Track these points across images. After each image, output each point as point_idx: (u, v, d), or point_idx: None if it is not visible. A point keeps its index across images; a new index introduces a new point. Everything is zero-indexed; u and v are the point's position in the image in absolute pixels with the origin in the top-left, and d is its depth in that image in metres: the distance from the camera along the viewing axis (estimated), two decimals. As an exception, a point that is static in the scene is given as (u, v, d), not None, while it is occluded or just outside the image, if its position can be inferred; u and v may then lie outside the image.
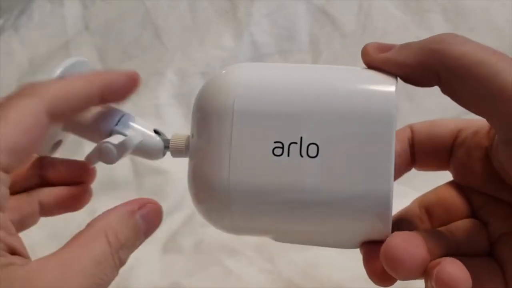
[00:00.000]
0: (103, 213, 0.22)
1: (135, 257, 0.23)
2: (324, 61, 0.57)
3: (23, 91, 0.21)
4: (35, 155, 0.27)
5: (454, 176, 0.26)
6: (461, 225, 0.24)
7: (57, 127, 0.23)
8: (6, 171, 0.19)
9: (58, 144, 0.27)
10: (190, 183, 0.23)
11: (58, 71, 0.27)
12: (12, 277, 0.18)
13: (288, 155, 0.21)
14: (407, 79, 0.23)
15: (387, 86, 0.21)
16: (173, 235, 0.47)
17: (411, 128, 0.26)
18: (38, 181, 0.27)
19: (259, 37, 0.59)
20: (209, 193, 0.22)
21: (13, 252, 0.19)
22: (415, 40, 0.23)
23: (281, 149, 0.21)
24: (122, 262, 0.21)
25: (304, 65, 0.24)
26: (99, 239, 0.20)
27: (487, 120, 0.21)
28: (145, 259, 0.44)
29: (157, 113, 0.58)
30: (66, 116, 0.22)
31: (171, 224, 0.48)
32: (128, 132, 0.25)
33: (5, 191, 0.19)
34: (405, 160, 0.26)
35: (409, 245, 0.21)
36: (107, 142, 0.24)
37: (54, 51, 0.65)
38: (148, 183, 0.52)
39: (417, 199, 0.26)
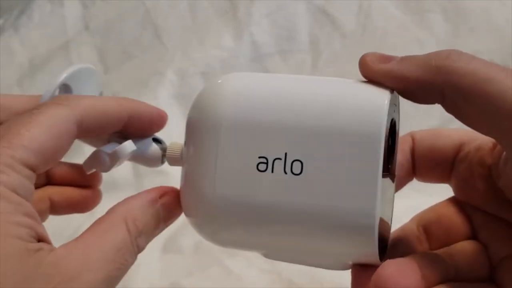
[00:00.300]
0: (125, 199, 0.22)
1: (135, 257, 0.23)
2: (324, 61, 0.57)
3: (58, 101, 0.22)
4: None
5: (454, 191, 0.25)
6: (461, 248, 0.23)
7: (83, 140, 0.24)
8: (33, 170, 0.20)
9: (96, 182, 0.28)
10: (181, 193, 0.23)
11: (62, 77, 0.27)
12: (41, 262, 0.19)
13: (272, 171, 0.20)
14: (407, 95, 0.22)
15: (378, 101, 0.20)
16: (173, 235, 0.47)
17: (412, 137, 0.25)
18: (46, 180, 0.28)
19: (259, 37, 0.59)
20: (196, 205, 0.22)
21: (40, 239, 0.20)
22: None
23: (265, 165, 0.21)
24: (140, 249, 0.22)
25: (296, 77, 0.23)
26: (118, 226, 0.21)
27: (495, 139, 0.21)
28: (145, 259, 0.44)
29: (157, 113, 0.58)
30: (93, 131, 0.23)
31: (171, 225, 0.48)
32: (124, 140, 0.25)
33: (31, 187, 0.20)
34: (407, 170, 0.25)
35: (402, 276, 0.20)
36: (100, 150, 0.24)
37: (54, 51, 0.65)
38: (148, 184, 0.52)
39: (415, 217, 0.26)
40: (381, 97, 0.20)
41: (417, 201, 0.30)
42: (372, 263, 0.21)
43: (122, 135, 0.25)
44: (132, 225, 0.21)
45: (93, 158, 0.24)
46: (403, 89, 0.21)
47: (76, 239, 0.20)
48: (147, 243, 0.22)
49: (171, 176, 0.51)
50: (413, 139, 0.25)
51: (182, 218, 0.49)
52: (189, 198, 0.23)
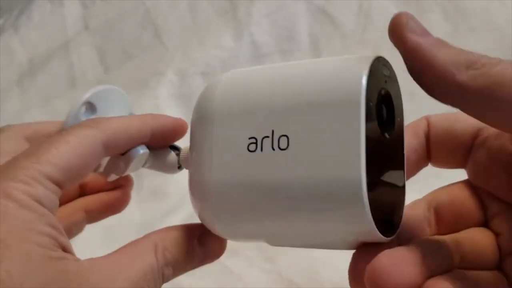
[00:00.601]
0: (164, 227, 0.23)
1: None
2: (324, 61, 0.57)
3: (87, 123, 0.23)
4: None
5: (470, 177, 0.24)
6: (471, 235, 0.23)
7: (111, 155, 0.25)
8: (59, 185, 0.21)
9: (98, 166, 0.28)
10: (189, 190, 0.23)
11: (86, 95, 0.28)
12: (65, 270, 0.19)
13: (262, 150, 0.21)
14: (419, 79, 0.20)
15: (356, 69, 0.20)
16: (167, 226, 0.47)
17: (427, 120, 0.24)
18: (79, 191, 0.30)
19: (259, 37, 0.59)
20: (198, 197, 0.23)
21: (64, 250, 0.20)
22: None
23: (255, 145, 0.21)
24: (165, 279, 0.22)
25: (285, 63, 0.23)
26: (148, 252, 0.22)
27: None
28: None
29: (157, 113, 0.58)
30: (119, 149, 0.24)
31: (171, 225, 0.48)
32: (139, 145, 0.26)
33: (56, 200, 0.21)
34: (421, 155, 0.24)
35: (397, 268, 0.19)
36: (115, 155, 0.25)
37: (54, 51, 0.65)
38: (148, 183, 0.52)
39: (428, 195, 0.25)
40: (361, 65, 0.20)
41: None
42: (376, 241, 0.20)
43: (145, 145, 0.26)
44: (161, 254, 0.22)
45: (109, 164, 0.26)
46: (418, 71, 0.20)
47: (104, 256, 0.21)
48: (175, 275, 0.23)
49: (171, 176, 0.51)
50: (428, 123, 0.24)
51: (182, 218, 0.49)
52: (193, 191, 0.23)
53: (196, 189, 0.23)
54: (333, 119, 0.19)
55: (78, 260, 0.20)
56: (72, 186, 0.22)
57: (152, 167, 0.27)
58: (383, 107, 0.21)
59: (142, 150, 0.25)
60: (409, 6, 0.57)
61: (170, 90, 0.59)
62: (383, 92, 0.21)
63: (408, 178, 0.24)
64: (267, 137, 0.21)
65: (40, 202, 0.20)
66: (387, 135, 0.21)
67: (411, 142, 0.24)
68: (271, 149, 0.20)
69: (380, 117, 0.20)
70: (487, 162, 0.23)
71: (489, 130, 0.23)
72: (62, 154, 0.21)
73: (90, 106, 0.29)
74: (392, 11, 0.57)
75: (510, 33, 0.53)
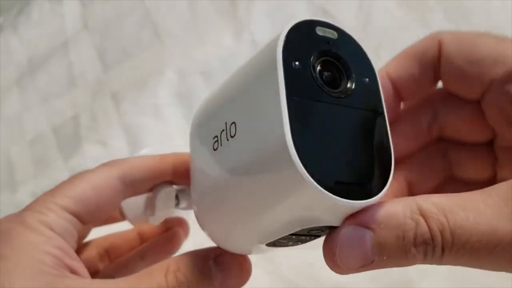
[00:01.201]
0: (184, 252, 0.23)
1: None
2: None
3: (106, 163, 0.26)
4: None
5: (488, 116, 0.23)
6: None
7: (136, 193, 0.27)
8: (75, 215, 0.23)
9: (177, 199, 0.29)
10: None
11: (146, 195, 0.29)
12: (61, 284, 0.21)
13: (221, 145, 0.21)
14: None
15: (276, 39, 0.20)
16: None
17: (440, 41, 0.22)
18: (140, 243, 0.32)
19: (259, 36, 0.59)
20: (195, 209, 0.24)
21: (72, 271, 0.22)
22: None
23: (217, 143, 0.21)
24: None
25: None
26: (158, 273, 0.22)
27: None
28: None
29: (156, 113, 0.57)
30: (140, 184, 0.26)
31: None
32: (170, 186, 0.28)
33: (70, 227, 0.23)
34: (424, 82, 0.24)
35: (353, 246, 0.18)
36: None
37: (53, 50, 0.65)
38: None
39: None
40: (288, 22, 0.20)
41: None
42: (345, 210, 0.18)
43: (172, 182, 0.27)
44: (172, 274, 0.22)
45: (145, 205, 0.28)
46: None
47: (118, 279, 0.22)
48: None
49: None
50: (440, 44, 0.22)
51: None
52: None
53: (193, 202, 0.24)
54: (260, 91, 0.19)
55: (81, 278, 0.22)
56: (95, 218, 0.24)
57: (188, 207, 0.28)
58: (326, 67, 0.20)
59: (166, 187, 0.27)
60: (409, 5, 0.57)
61: (169, 89, 0.59)
62: (321, 54, 0.20)
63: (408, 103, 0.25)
64: (223, 130, 0.21)
65: (50, 228, 0.22)
66: (340, 94, 0.19)
67: (409, 71, 0.23)
68: (226, 140, 0.20)
69: (322, 77, 0.19)
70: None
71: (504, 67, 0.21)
72: (77, 187, 0.24)
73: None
74: (393, 10, 0.57)
75: (511, 33, 0.53)
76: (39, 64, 0.65)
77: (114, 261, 0.31)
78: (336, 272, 0.19)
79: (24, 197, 0.57)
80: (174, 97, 0.58)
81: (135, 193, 0.26)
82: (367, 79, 0.20)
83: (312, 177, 0.17)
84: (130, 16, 0.64)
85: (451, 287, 0.39)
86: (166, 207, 0.27)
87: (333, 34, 0.20)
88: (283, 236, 0.20)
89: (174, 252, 0.31)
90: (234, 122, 0.20)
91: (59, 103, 0.62)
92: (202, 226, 0.23)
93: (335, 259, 0.18)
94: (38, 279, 0.20)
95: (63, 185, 0.24)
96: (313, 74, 0.19)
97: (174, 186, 0.27)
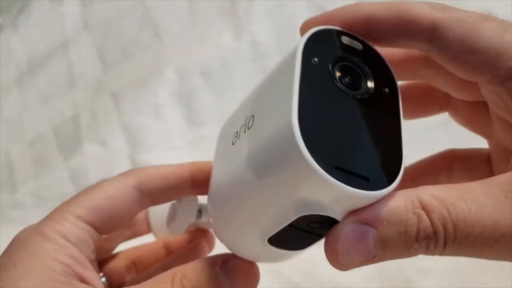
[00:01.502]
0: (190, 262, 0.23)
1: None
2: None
3: (124, 172, 0.25)
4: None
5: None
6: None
7: (154, 203, 0.26)
8: (91, 224, 0.23)
9: (199, 212, 0.30)
10: None
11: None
12: None
13: (239, 138, 0.21)
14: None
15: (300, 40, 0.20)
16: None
17: (433, 23, 0.20)
18: (166, 254, 0.32)
19: (259, 36, 0.59)
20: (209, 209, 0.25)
21: (82, 280, 0.22)
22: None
23: (236, 137, 0.22)
24: None
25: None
26: (165, 279, 0.22)
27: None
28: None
29: (156, 113, 0.57)
30: (158, 193, 0.25)
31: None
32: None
33: (85, 236, 0.23)
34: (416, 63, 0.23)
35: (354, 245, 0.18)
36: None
37: (53, 50, 0.65)
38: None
39: None
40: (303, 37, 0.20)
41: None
42: (359, 202, 0.18)
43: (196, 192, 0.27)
44: (179, 281, 0.22)
45: (167, 215, 0.28)
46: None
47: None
48: None
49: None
50: (434, 27, 0.20)
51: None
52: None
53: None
54: (278, 84, 0.20)
55: None
56: (111, 227, 0.24)
57: (209, 224, 0.28)
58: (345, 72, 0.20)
59: (190, 197, 0.27)
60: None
61: (169, 89, 0.59)
62: (342, 58, 0.20)
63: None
64: (243, 125, 0.21)
65: (65, 237, 0.22)
66: (357, 96, 0.20)
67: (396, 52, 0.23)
68: (243, 133, 0.21)
69: (341, 80, 0.20)
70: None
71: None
72: (92, 197, 0.24)
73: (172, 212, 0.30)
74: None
75: (511, 32, 0.53)
76: (39, 64, 0.65)
77: (140, 272, 0.31)
78: (338, 268, 0.19)
79: (24, 197, 0.57)
80: (174, 97, 0.58)
81: (153, 202, 0.26)
82: (387, 89, 0.21)
83: (317, 161, 0.17)
84: (130, 16, 0.64)
85: (451, 287, 0.39)
86: (187, 217, 0.27)
87: (358, 46, 0.21)
88: (285, 226, 0.20)
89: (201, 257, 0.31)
90: (253, 116, 0.21)
91: (59, 103, 0.62)
92: (217, 234, 0.24)
93: (337, 256, 0.18)
94: (45, 285, 0.20)
95: (80, 194, 0.24)
96: (331, 72, 0.19)
97: (200, 198, 0.27)
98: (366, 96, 0.20)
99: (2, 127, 0.63)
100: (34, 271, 0.21)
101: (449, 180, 0.26)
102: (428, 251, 0.18)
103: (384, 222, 0.17)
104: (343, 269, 0.19)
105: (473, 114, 0.25)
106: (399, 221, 0.17)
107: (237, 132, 0.22)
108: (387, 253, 0.18)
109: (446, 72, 0.21)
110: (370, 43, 0.21)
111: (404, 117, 0.21)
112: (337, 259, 0.18)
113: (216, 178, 0.24)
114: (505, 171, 0.23)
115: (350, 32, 0.21)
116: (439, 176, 0.26)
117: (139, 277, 0.31)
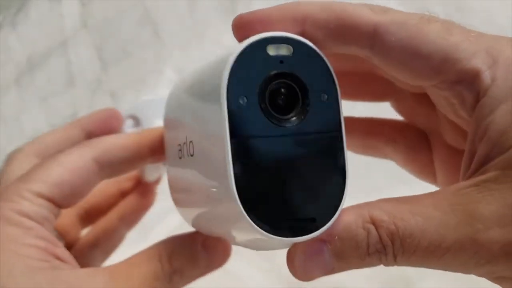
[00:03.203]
0: (169, 236, 0.23)
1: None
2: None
3: (79, 144, 0.24)
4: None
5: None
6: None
7: (114, 174, 0.25)
8: (51, 201, 0.22)
9: (158, 180, 0.30)
10: None
11: (127, 111, 0.30)
12: (54, 279, 0.19)
13: (184, 157, 0.21)
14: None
15: (228, 53, 0.18)
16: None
17: (374, 28, 0.19)
18: (120, 196, 0.31)
19: (259, 35, 0.59)
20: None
21: (60, 259, 0.21)
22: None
23: (181, 152, 0.21)
24: (174, 287, 0.22)
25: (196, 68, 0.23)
26: (152, 259, 0.22)
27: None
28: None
29: (155, 112, 0.57)
30: (116, 165, 0.24)
31: (169, 224, 0.48)
32: None
33: (48, 214, 0.22)
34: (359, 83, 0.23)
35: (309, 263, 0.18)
36: None
37: (52, 49, 0.65)
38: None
39: None
40: (236, 48, 0.18)
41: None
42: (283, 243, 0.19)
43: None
44: (166, 260, 0.22)
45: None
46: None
47: (105, 266, 0.21)
48: (184, 283, 0.22)
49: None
50: (375, 32, 0.19)
51: (180, 218, 0.49)
52: None
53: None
54: (209, 126, 0.19)
55: (74, 269, 0.21)
56: (71, 201, 0.23)
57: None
58: (279, 89, 0.19)
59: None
60: (410, 5, 0.56)
61: (169, 88, 0.58)
62: (272, 78, 0.19)
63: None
64: (185, 143, 0.21)
65: (28, 217, 0.21)
66: (292, 121, 0.19)
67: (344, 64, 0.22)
68: (187, 155, 0.21)
69: (275, 103, 0.18)
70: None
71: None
72: (51, 171, 0.22)
73: (135, 120, 0.30)
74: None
75: (511, 33, 0.53)
76: (38, 63, 0.65)
77: (95, 221, 0.30)
78: (299, 279, 0.19)
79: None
80: (173, 96, 0.58)
81: (113, 174, 0.25)
82: (325, 96, 0.19)
83: (258, 223, 0.18)
84: (130, 15, 0.64)
85: (451, 287, 0.39)
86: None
87: (287, 50, 0.19)
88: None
89: (149, 207, 0.31)
90: (191, 141, 0.20)
91: (58, 102, 0.62)
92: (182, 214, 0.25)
93: (296, 270, 0.19)
94: (28, 277, 0.19)
95: (37, 169, 0.22)
96: (262, 106, 0.18)
97: None
98: (303, 118, 0.19)
99: (1, 126, 0.63)
100: (11, 265, 0.19)
101: (395, 153, 0.25)
102: (381, 262, 0.18)
103: (336, 237, 0.18)
104: (305, 280, 0.19)
105: (417, 105, 0.24)
106: (350, 236, 0.18)
107: (180, 145, 0.21)
108: (344, 265, 0.18)
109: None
110: (301, 38, 0.19)
111: (343, 98, 0.20)
112: (296, 272, 0.19)
113: (171, 172, 0.24)
114: (447, 168, 0.23)
115: (277, 35, 0.19)
116: (385, 148, 0.25)
117: (93, 233, 0.30)
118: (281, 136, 0.18)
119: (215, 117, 0.18)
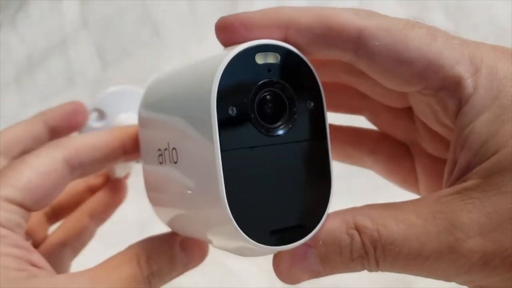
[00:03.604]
0: (146, 238, 0.23)
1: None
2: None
3: (49, 144, 0.23)
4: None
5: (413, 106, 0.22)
6: None
7: (85, 175, 0.25)
8: (22, 206, 0.21)
9: (127, 176, 0.30)
10: None
11: (91, 104, 0.29)
12: (35, 287, 0.19)
13: (165, 162, 0.21)
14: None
15: (215, 62, 0.18)
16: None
17: (358, 32, 0.19)
18: (88, 193, 0.30)
19: (259, 35, 0.59)
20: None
21: (35, 266, 0.20)
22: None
23: (162, 157, 0.21)
24: None
25: (179, 66, 0.23)
26: (130, 261, 0.21)
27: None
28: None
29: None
30: (87, 166, 0.23)
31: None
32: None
33: (19, 220, 0.21)
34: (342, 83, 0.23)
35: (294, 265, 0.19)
36: None
37: (52, 48, 0.65)
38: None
39: None
40: (224, 57, 0.18)
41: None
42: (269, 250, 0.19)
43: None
44: (145, 263, 0.21)
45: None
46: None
47: (83, 270, 0.21)
48: (162, 283, 0.22)
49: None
50: (359, 36, 0.19)
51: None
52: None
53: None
54: (197, 137, 0.18)
55: (52, 275, 0.20)
56: (42, 205, 0.22)
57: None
58: (265, 97, 0.19)
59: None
60: (410, 4, 0.57)
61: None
62: (260, 87, 0.19)
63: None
64: (166, 149, 0.21)
65: (0, 225, 0.20)
66: (279, 130, 0.19)
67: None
68: (170, 161, 0.20)
69: (263, 111, 0.19)
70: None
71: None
72: (21, 175, 0.21)
73: (99, 113, 0.29)
74: (394, 9, 0.57)
75: (511, 32, 0.53)
76: (38, 62, 0.65)
77: (62, 218, 0.29)
78: (286, 282, 0.19)
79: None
80: (173, 95, 0.58)
81: (84, 174, 0.24)
82: (312, 103, 0.19)
83: (247, 233, 0.18)
84: (130, 14, 0.63)
85: (451, 287, 0.39)
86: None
87: (275, 58, 0.19)
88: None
89: (120, 202, 0.30)
90: (175, 148, 0.20)
91: (57, 101, 0.62)
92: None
93: (282, 273, 0.19)
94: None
95: (6, 173, 0.21)
96: (251, 116, 0.18)
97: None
98: (290, 126, 0.19)
99: (1, 125, 0.63)
100: None
101: (374, 163, 0.25)
102: (365, 268, 0.19)
103: (321, 242, 0.18)
104: (291, 283, 0.19)
105: (395, 119, 0.24)
106: (334, 242, 0.18)
107: (160, 150, 0.21)
108: (329, 269, 0.19)
109: (372, 80, 0.20)
110: (288, 46, 0.19)
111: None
112: (282, 276, 0.19)
113: (149, 173, 0.23)
114: (429, 176, 0.23)
115: (264, 42, 0.19)
116: (365, 158, 0.25)
117: (62, 232, 0.29)
118: (269, 145, 0.19)
119: (204, 129, 0.18)
